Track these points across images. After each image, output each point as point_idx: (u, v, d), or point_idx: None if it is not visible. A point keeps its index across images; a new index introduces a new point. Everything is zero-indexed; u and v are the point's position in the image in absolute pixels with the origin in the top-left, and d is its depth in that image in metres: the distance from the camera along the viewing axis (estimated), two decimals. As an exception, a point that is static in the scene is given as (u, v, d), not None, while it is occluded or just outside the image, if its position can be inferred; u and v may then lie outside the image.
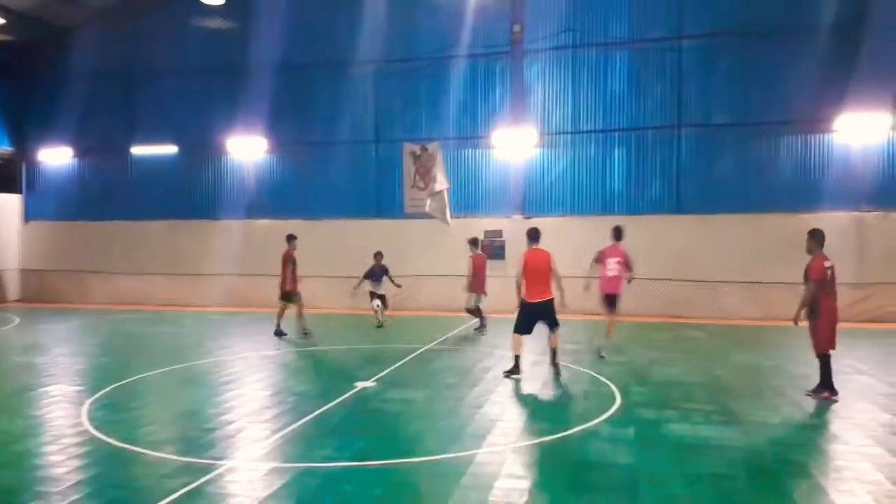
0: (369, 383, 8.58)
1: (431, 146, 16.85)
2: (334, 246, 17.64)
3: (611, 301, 10.48)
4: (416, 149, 17.04)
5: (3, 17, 16.49)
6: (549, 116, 16.85)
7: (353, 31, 17.47)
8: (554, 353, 9.07)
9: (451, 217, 16.92)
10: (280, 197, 18.41)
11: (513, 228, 16.79)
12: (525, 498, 4.89)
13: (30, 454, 6.01)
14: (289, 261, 12.55)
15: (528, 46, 16.80)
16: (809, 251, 7.95)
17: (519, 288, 8.98)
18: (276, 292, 12.72)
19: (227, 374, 9.43)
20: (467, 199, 17.19)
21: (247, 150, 18.51)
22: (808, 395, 7.92)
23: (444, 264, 16.94)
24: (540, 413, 7.21)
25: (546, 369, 9.47)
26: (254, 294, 18.06)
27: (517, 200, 16.94)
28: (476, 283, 13.15)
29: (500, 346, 11.53)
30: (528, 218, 16.82)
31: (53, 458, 5.82)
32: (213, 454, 5.90)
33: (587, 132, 16.62)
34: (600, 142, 16.59)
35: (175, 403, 7.89)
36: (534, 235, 9.29)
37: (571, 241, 15.10)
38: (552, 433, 6.46)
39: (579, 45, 16.57)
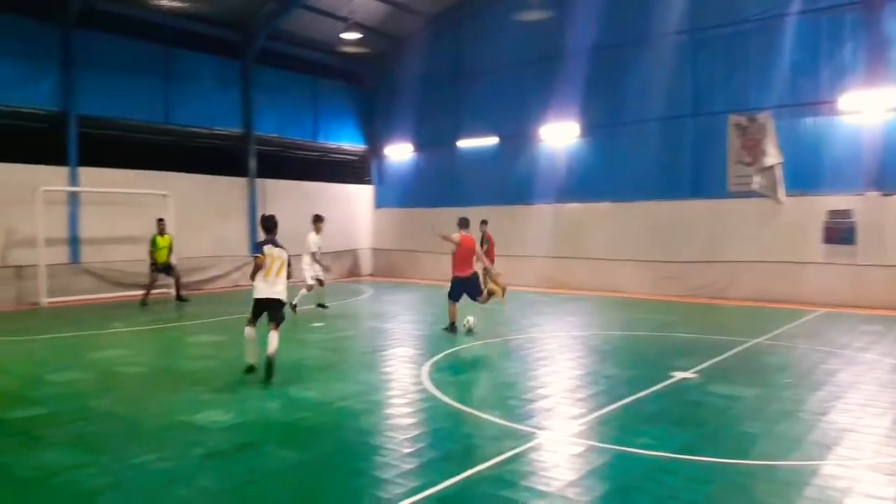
0: (688, 374, 8.07)
1: (761, 116, 15.10)
2: (646, 229, 17.10)
3: None
4: (743, 120, 15.43)
5: (360, 32, 19.48)
6: (920, 72, 13.77)
7: (667, 3, 16.56)
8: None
9: (785, 195, 15.01)
10: (589, 180, 18.42)
11: (867, 208, 14.19)
12: (893, 526, 4.07)
13: (382, 404, 7.04)
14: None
15: (892, -10, 13.92)
16: None
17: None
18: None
19: (540, 350, 9.80)
20: (806, 174, 14.94)
21: (558, 135, 18.94)
22: None
23: (774, 248, 15.15)
24: (908, 428, 5.95)
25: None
26: (563, 276, 18.49)
27: (872, 175, 14.19)
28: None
29: (849, 346, 9.88)
30: (888, 195, 14.05)
31: (400, 410, 6.71)
32: (532, 423, 6.17)
33: (979, 86, 13.16)
34: None
35: (497, 373, 8.47)
36: (465, 223, 11.20)
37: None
38: (929, 455, 5.28)
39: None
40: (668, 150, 17.03)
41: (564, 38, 18.46)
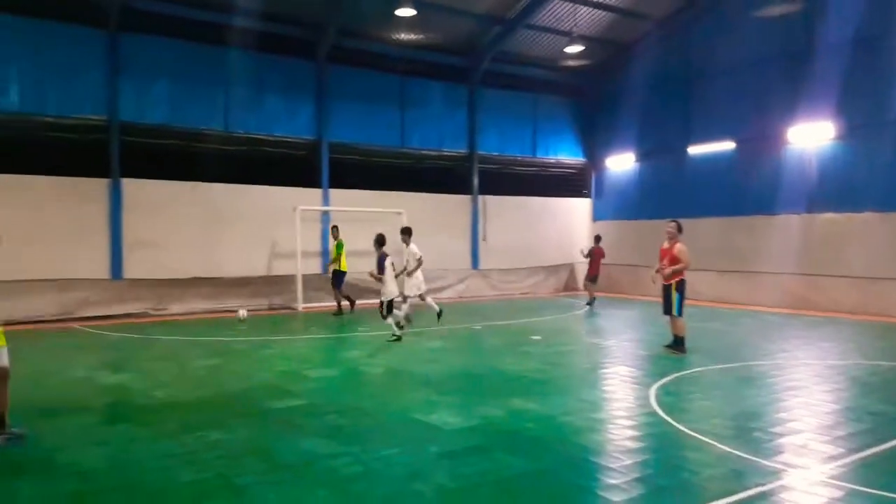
0: None
1: None
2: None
3: None
4: None
5: (583, 44, 19.38)
6: None
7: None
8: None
9: None
10: (850, 187, 16.09)
11: None
12: None
13: (607, 423, 6.80)
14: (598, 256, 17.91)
15: None
16: None
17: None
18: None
19: (789, 378, 8.77)
20: None
21: (808, 137, 16.90)
22: None
23: None
24: None
25: None
26: (814, 295, 16.41)
27: None
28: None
29: None
30: None
31: (627, 431, 6.42)
32: (782, 460, 5.52)
33: None
34: None
35: (736, 400, 7.72)
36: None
37: None
38: None
39: None
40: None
41: (815, 32, 16.50)
